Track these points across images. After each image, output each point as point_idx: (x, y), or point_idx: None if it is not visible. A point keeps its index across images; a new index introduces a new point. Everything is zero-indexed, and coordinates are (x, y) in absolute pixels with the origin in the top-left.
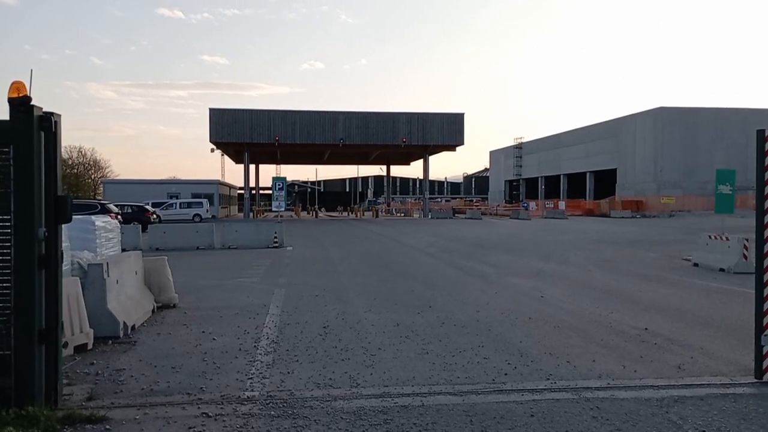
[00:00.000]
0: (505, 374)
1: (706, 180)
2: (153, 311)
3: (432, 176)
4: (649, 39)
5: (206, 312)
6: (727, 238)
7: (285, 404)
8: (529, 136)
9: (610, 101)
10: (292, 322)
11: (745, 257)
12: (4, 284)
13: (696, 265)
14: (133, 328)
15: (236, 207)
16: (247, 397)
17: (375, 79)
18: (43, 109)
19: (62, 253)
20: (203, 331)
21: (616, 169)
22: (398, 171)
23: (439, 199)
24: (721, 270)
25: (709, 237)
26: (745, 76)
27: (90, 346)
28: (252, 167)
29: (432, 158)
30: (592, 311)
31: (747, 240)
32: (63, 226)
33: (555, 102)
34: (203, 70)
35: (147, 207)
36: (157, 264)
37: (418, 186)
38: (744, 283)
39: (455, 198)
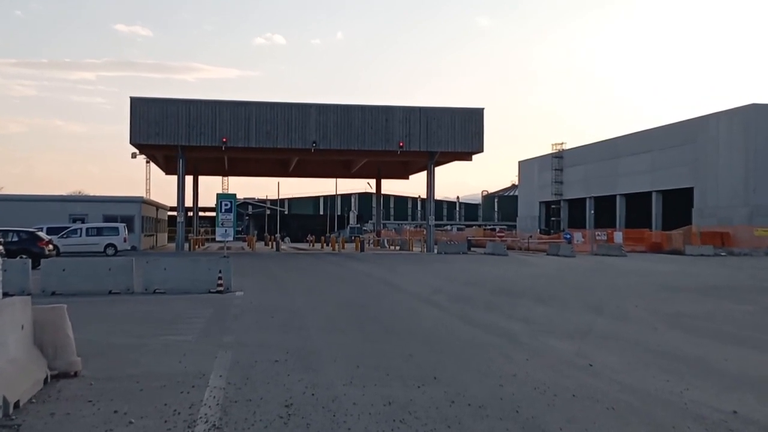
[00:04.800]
0: None
1: None
2: (46, 381)
3: (439, 195)
4: (734, 13)
5: (120, 383)
6: None
7: None
8: (572, 142)
9: (683, 95)
10: (242, 398)
11: None
12: None
13: None
14: (16, 405)
15: (165, 235)
16: None
17: (358, 61)
18: None
19: None
20: (115, 411)
21: (692, 189)
22: (392, 187)
23: (449, 227)
24: None
25: None
26: None
27: None
28: (189, 179)
29: (439, 170)
30: (659, 387)
31: None
32: None
33: (607, 95)
34: (118, 44)
35: (40, 234)
36: (53, 315)
37: (419, 208)
38: None
39: (471, 225)
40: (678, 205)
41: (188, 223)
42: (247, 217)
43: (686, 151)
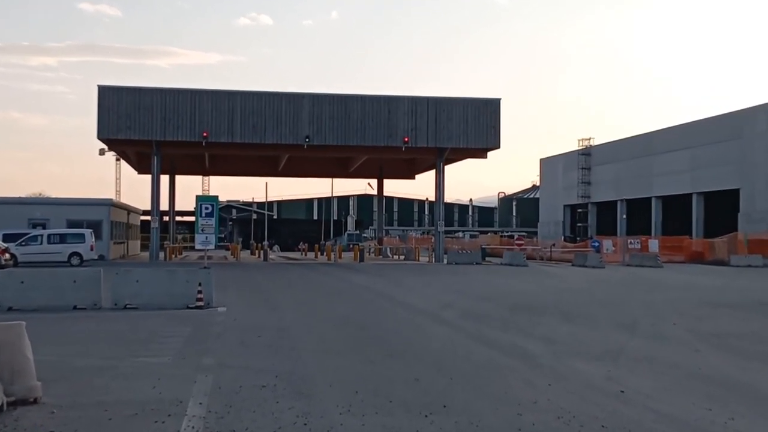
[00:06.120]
0: None
1: None
2: (1, 409)
3: (450, 197)
4: None
5: (86, 411)
6: None
7: None
8: (601, 137)
9: (727, 84)
10: (224, 429)
11: None
12: None
13: None
14: None
15: (138, 242)
16: None
17: (356, 44)
18: None
19: None
20: None
21: (738, 190)
22: (396, 188)
23: (461, 234)
24: None
25: None
26: None
27: None
28: (164, 179)
29: (450, 169)
30: (700, 416)
31: None
32: None
33: (641, 84)
34: (82, 26)
35: None
36: (10, 334)
37: (427, 212)
38: None
39: (486, 232)
40: (722, 208)
41: (164, 229)
42: (230, 223)
43: (731, 147)
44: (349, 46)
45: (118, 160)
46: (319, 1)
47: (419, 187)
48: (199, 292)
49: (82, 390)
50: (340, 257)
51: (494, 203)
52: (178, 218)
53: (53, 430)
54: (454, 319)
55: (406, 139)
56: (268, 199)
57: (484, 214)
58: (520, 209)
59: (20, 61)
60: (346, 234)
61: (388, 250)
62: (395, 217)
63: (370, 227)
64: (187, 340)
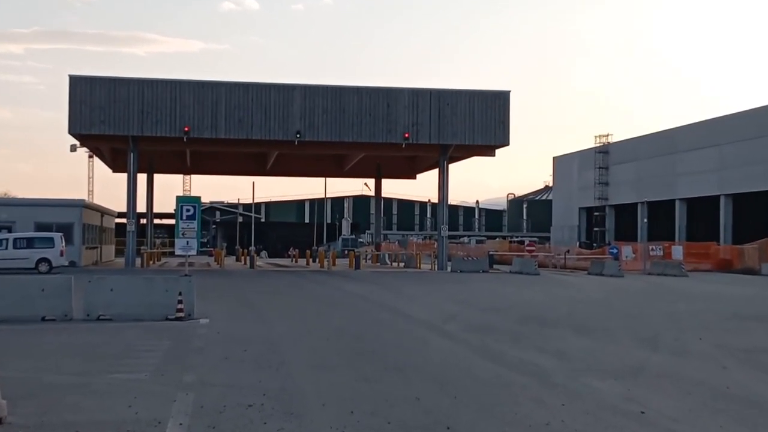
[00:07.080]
0: None
1: None
2: None
3: (454, 199)
4: None
5: None
6: None
7: None
8: (620, 134)
9: (758, 76)
10: None
11: None
12: None
13: None
14: None
15: (113, 247)
16: None
17: (352, 31)
18: None
19: None
20: None
21: None
22: (396, 189)
23: (466, 239)
24: None
25: None
26: None
27: None
28: (142, 179)
29: (455, 168)
30: None
31: None
32: None
33: (664, 76)
34: (52, 10)
35: None
36: None
37: (429, 215)
38: None
39: (494, 237)
40: (752, 212)
41: (141, 233)
42: (214, 226)
43: (762, 145)
44: (344, 33)
45: (91, 157)
46: None
47: (421, 187)
48: (180, 302)
49: (52, 408)
50: (334, 264)
51: (503, 205)
52: (156, 221)
53: None
54: (458, 331)
55: (406, 135)
56: (256, 201)
57: (491, 218)
58: (531, 212)
59: None
60: (340, 239)
61: (387, 256)
62: (394, 220)
63: (367, 231)
64: (166, 354)
